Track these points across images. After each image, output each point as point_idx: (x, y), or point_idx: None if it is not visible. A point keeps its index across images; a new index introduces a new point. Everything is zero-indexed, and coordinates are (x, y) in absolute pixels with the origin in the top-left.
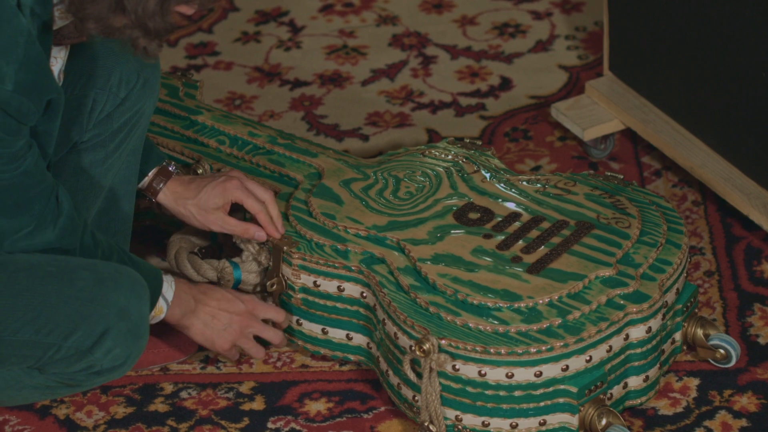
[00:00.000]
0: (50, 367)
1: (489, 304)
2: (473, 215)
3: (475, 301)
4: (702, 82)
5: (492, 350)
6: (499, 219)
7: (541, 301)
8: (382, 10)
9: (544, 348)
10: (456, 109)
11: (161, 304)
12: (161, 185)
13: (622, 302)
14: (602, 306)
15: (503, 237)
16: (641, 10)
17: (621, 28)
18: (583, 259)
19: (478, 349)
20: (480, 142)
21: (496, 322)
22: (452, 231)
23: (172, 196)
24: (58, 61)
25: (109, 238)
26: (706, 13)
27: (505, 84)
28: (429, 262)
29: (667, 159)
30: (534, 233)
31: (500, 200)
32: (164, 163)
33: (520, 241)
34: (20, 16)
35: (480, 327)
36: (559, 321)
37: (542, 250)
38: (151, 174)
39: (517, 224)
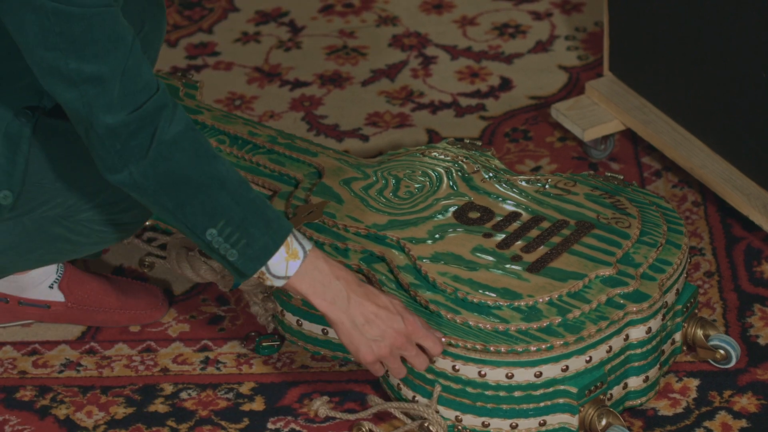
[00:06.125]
0: (78, 213)
1: (489, 302)
2: (473, 215)
3: (474, 300)
4: (702, 83)
5: (492, 348)
6: (499, 218)
7: (541, 300)
8: (382, 11)
9: (544, 347)
10: (456, 110)
11: (296, 246)
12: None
13: (622, 301)
14: (602, 305)
15: (503, 236)
16: (641, 10)
17: (621, 29)
18: (583, 258)
19: (478, 347)
20: (480, 143)
21: (496, 320)
22: (452, 230)
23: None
24: None
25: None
26: (706, 13)
27: (505, 84)
28: (429, 261)
29: (667, 159)
30: (534, 233)
31: (500, 200)
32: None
33: (520, 241)
34: None
35: (480, 325)
36: (559, 319)
37: (542, 249)
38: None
39: (517, 224)
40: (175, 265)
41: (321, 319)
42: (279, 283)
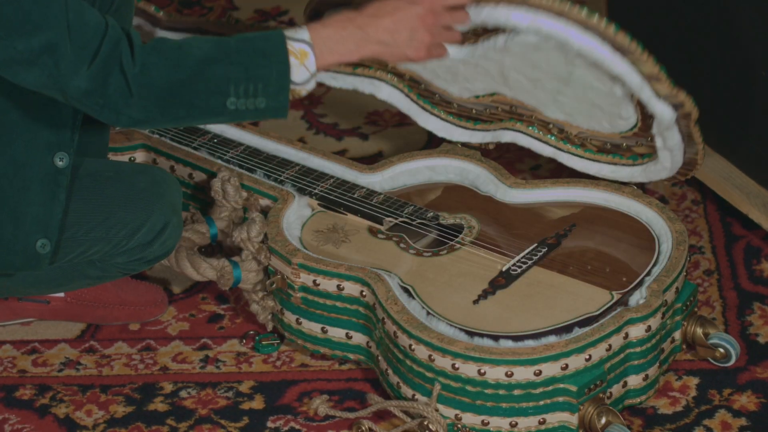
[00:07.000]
0: (112, 258)
1: None
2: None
3: None
4: (702, 82)
5: None
6: None
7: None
8: None
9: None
10: None
11: (298, 46)
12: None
13: None
14: None
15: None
16: (641, 10)
17: (621, 28)
18: None
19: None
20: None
21: None
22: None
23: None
24: None
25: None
26: (706, 12)
27: None
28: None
29: None
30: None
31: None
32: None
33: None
34: None
35: None
36: None
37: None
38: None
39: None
40: (175, 263)
41: (320, 317)
42: (313, 83)
